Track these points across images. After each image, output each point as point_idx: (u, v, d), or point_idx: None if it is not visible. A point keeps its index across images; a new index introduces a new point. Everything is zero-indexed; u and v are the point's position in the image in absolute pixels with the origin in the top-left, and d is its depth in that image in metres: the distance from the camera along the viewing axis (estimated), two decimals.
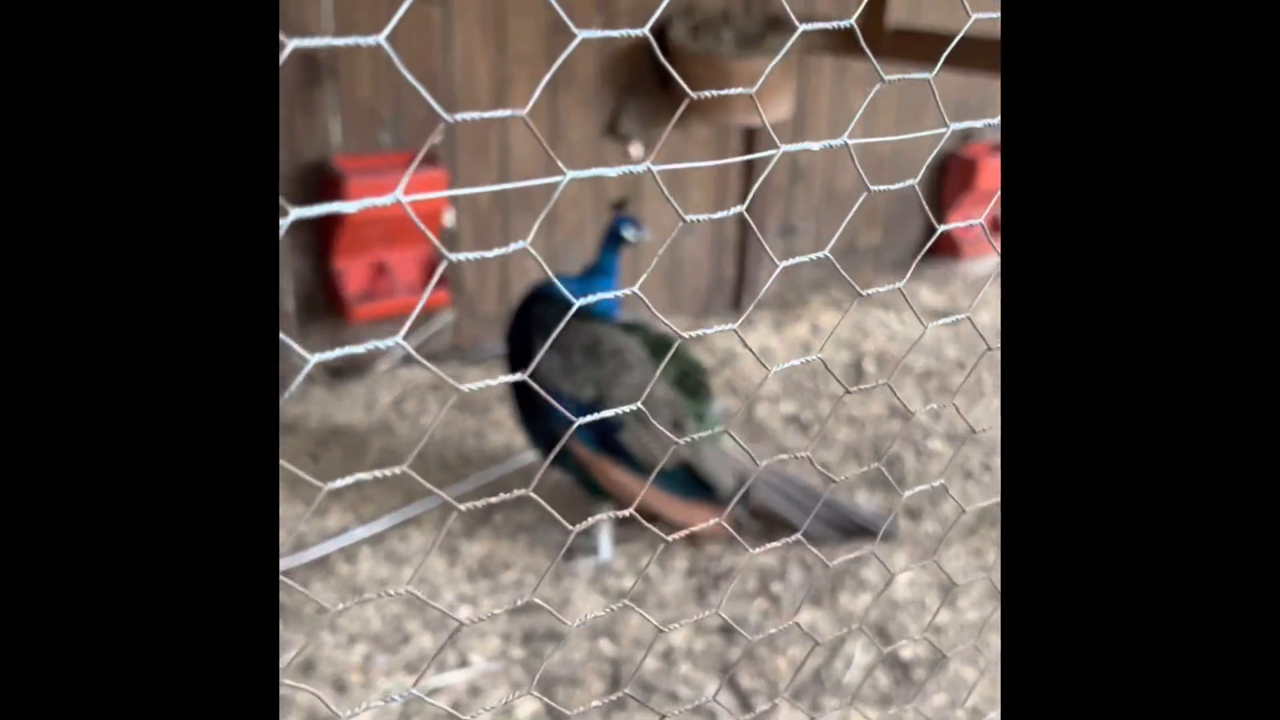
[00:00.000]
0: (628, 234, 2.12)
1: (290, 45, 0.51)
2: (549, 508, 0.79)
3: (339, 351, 0.57)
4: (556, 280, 0.64)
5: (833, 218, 3.76)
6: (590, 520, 0.81)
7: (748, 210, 0.86)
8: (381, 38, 0.50)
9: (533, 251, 0.59)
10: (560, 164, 0.60)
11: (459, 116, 0.52)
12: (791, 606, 2.04)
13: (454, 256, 0.56)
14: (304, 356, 0.56)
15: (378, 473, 0.62)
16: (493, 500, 0.69)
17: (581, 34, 0.57)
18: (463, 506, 0.68)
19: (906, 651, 1.93)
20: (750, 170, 3.43)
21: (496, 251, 0.60)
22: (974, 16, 0.86)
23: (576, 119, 3.08)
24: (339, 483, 0.62)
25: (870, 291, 0.81)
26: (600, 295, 0.65)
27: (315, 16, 2.58)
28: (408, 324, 0.65)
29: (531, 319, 2.12)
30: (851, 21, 0.74)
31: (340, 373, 2.93)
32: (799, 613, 2.02)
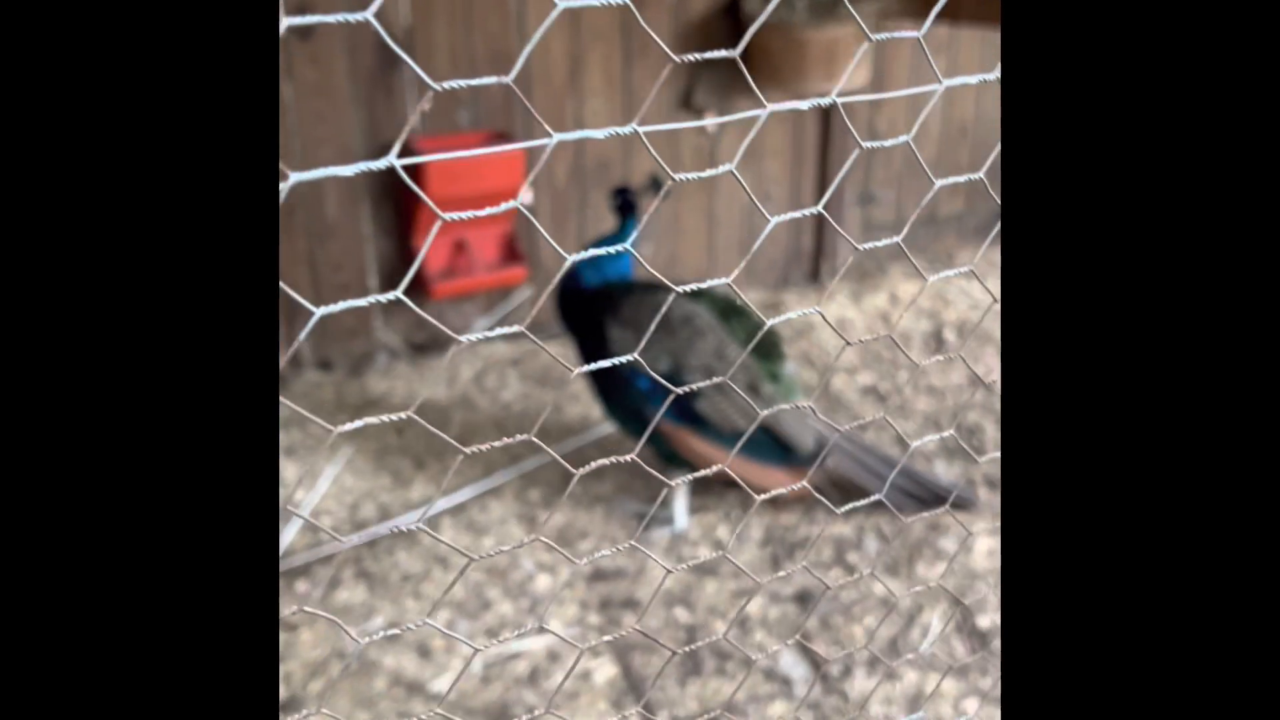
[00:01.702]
0: (632, 198, 2.18)
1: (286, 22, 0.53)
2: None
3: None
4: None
5: (913, 185, 3.70)
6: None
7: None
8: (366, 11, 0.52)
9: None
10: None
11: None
12: (869, 576, 2.04)
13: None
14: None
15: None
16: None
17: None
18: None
19: (984, 620, 1.91)
20: (827, 140, 3.39)
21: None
22: None
23: (650, 91, 3.08)
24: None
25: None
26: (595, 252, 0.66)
27: (393, 1, 2.63)
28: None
29: (588, 296, 2.15)
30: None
31: (423, 348, 3.00)
32: (875, 582, 2.02)
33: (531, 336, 0.69)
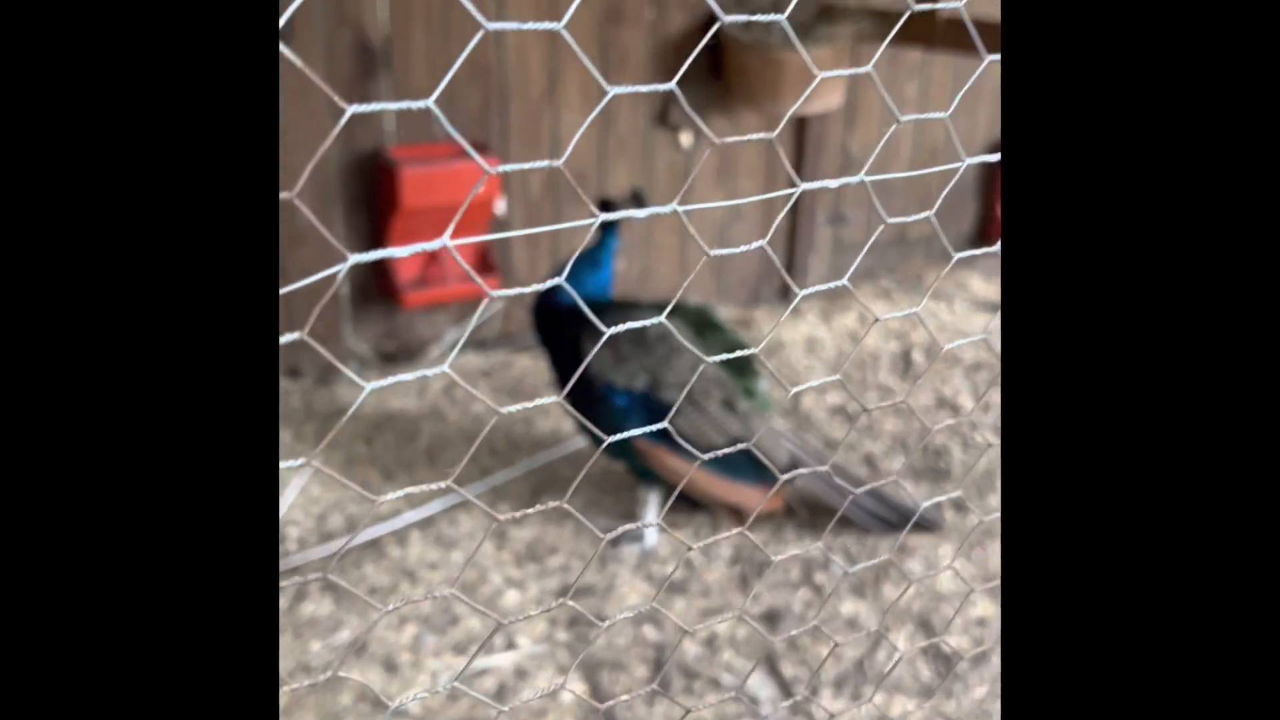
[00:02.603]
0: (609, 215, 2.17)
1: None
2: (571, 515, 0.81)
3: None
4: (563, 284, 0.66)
5: (884, 207, 3.74)
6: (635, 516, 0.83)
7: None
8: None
9: (568, 288, 0.61)
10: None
11: (507, 168, 0.55)
12: (835, 596, 2.05)
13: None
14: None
15: (430, 485, 0.64)
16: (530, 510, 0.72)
17: (613, 90, 0.58)
18: (502, 518, 0.70)
19: (949, 643, 1.93)
20: (800, 160, 3.42)
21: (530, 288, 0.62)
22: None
23: (627, 108, 3.09)
24: (390, 496, 0.64)
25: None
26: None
27: (371, 10, 2.62)
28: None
29: (563, 314, 2.14)
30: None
31: (393, 357, 2.99)
32: (842, 603, 2.03)
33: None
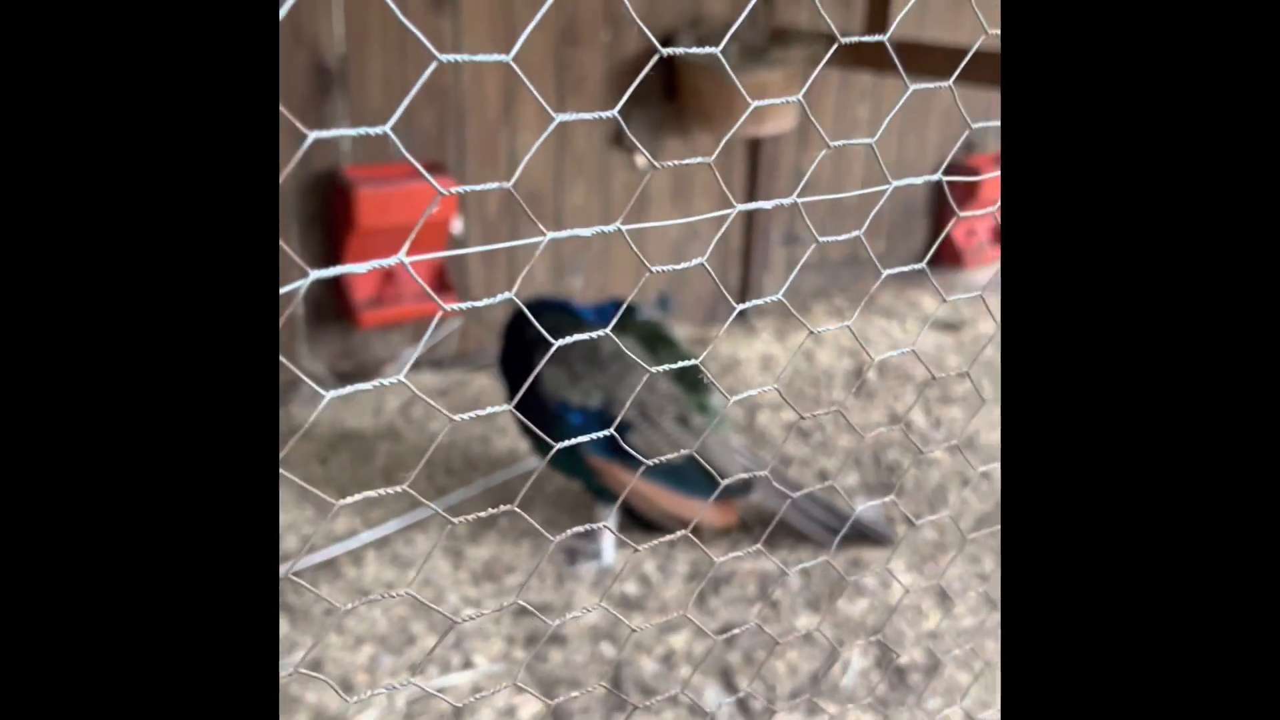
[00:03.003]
0: (642, 316, 2.24)
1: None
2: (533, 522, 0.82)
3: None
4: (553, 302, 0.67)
5: (837, 227, 3.80)
6: (590, 526, 0.85)
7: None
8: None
9: (518, 301, 0.63)
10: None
11: (461, 188, 0.56)
12: (790, 611, 2.07)
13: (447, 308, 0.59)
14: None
15: (386, 490, 0.65)
16: (489, 512, 0.73)
17: (559, 117, 0.60)
18: (457, 520, 0.71)
19: (903, 657, 1.96)
20: (754, 180, 3.47)
21: (488, 301, 0.63)
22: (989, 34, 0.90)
23: (583, 128, 3.12)
24: (347, 500, 0.65)
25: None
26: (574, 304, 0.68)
27: (328, 29, 2.62)
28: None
29: (528, 339, 2.16)
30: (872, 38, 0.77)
31: (349, 377, 2.97)
32: (797, 617, 2.05)
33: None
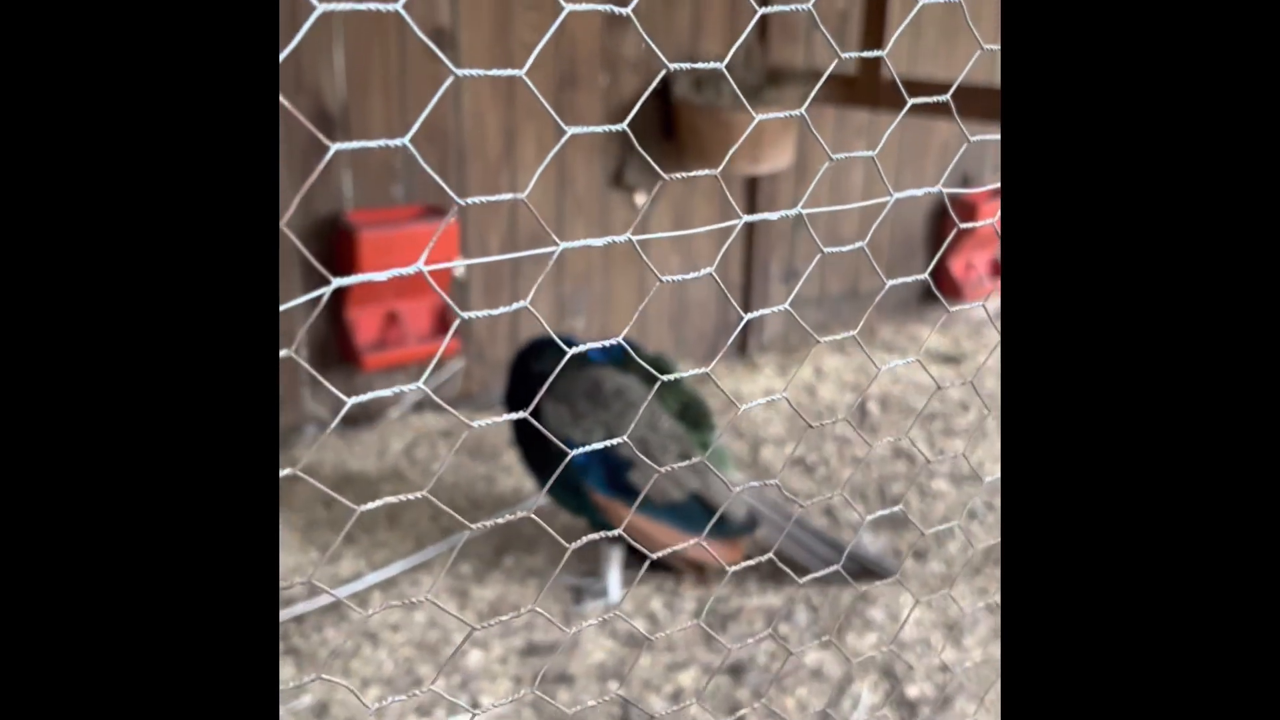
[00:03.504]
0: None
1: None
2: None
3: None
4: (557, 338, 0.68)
5: (835, 262, 3.82)
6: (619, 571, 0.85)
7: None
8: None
9: (534, 311, 0.64)
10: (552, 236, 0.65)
11: (470, 200, 0.57)
12: (799, 647, 2.06)
13: (465, 314, 0.60)
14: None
15: (401, 497, 0.65)
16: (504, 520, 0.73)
17: (570, 130, 0.62)
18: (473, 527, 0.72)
19: (913, 690, 1.94)
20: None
21: (501, 310, 0.64)
22: (979, 57, 0.91)
23: (583, 169, 3.15)
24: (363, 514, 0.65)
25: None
26: (590, 345, 0.69)
27: (329, 75, 2.66)
28: (426, 372, 0.69)
29: (532, 374, 2.17)
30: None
31: (352, 420, 2.98)
32: (806, 653, 2.04)
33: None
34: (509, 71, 0.57)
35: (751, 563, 1.16)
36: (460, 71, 0.55)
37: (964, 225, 0.93)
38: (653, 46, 0.68)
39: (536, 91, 0.62)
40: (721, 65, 0.75)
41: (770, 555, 1.20)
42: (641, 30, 0.72)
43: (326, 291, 0.59)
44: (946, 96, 0.94)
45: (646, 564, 0.90)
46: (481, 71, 0.57)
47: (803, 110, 0.82)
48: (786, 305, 0.86)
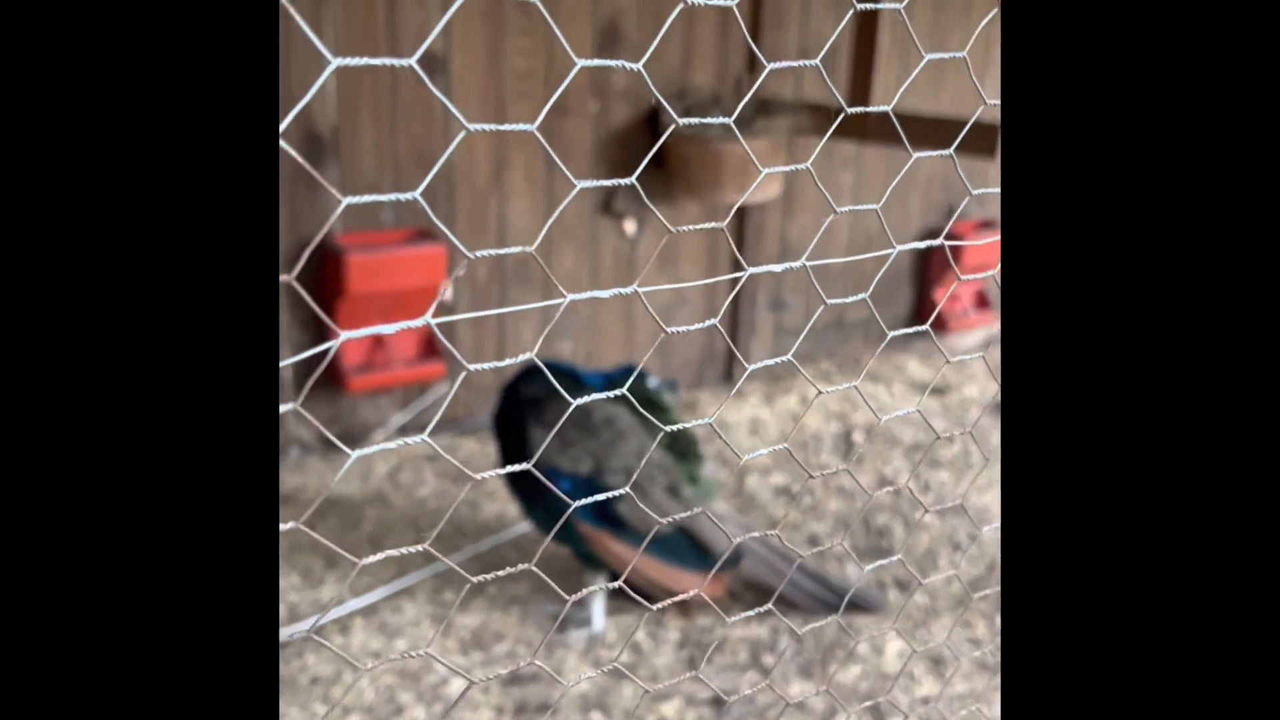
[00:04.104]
0: (652, 383, 2.26)
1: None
2: (547, 579, 0.82)
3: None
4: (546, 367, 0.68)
5: (822, 292, 3.83)
6: (584, 592, 0.85)
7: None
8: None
9: (538, 360, 0.64)
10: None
11: (481, 253, 0.57)
12: (782, 678, 2.05)
13: (454, 349, 0.60)
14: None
15: (407, 550, 0.65)
16: (490, 577, 0.73)
17: (580, 183, 0.62)
18: (473, 578, 0.71)
19: None
20: (741, 247, 3.51)
21: (487, 313, 0.64)
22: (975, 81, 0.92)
23: (570, 195, 3.16)
24: (370, 559, 0.65)
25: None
26: (595, 396, 0.69)
27: (320, 99, 2.67)
28: (416, 402, 0.69)
29: (522, 399, 2.16)
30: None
31: (336, 444, 2.96)
32: (790, 684, 2.04)
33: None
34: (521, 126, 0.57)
35: (738, 610, 1.16)
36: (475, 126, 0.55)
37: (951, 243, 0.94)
38: (647, 79, 0.69)
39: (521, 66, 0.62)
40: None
41: (759, 592, 1.19)
42: (646, 77, 0.72)
43: (333, 346, 0.59)
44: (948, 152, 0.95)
45: (614, 585, 0.89)
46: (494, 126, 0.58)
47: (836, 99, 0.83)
48: (791, 340, 0.86)
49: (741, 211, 3.46)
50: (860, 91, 3.01)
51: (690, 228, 0.69)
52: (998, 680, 2.05)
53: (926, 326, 0.99)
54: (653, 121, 3.18)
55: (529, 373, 2.22)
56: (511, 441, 2.17)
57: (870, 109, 0.85)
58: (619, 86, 3.14)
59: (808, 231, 3.71)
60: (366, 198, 0.60)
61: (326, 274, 2.73)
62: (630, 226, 3.29)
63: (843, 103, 0.84)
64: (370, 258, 2.67)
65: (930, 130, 2.66)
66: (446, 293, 3.00)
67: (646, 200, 0.74)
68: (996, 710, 1.95)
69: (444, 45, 2.80)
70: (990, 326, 4.22)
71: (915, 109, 3.53)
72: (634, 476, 0.84)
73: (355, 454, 0.61)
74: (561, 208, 0.67)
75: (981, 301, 4.27)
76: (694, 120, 0.74)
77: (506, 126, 0.53)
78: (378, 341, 2.87)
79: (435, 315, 2.67)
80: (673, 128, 0.83)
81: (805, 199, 3.69)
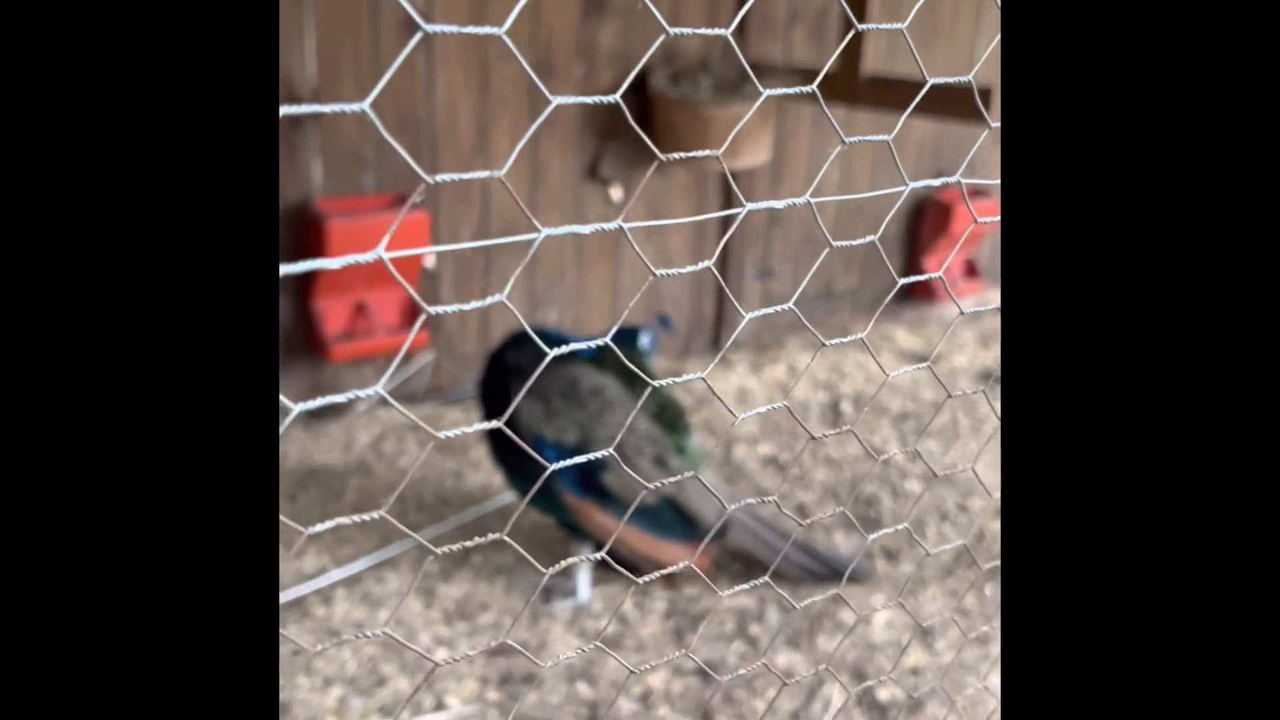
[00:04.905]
0: (644, 341, 2.22)
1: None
2: (524, 552, 0.79)
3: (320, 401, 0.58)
4: (533, 332, 0.65)
5: (810, 260, 3.80)
6: (567, 562, 0.82)
7: (727, 252, 0.88)
8: (366, 104, 0.51)
9: (510, 305, 0.61)
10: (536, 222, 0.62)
11: (440, 177, 0.54)
12: (769, 648, 2.04)
13: (433, 309, 0.57)
14: (285, 393, 0.57)
15: (356, 518, 0.62)
16: (469, 544, 0.70)
17: (556, 99, 0.59)
18: (439, 550, 0.68)
19: (883, 693, 1.93)
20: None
21: (475, 304, 0.61)
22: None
23: (557, 161, 3.11)
24: (318, 527, 0.63)
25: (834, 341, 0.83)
26: (575, 345, 0.67)
27: (299, 61, 2.60)
28: (392, 367, 0.66)
29: (508, 366, 2.13)
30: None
31: (318, 413, 2.93)
32: (777, 655, 2.02)
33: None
34: (486, 29, 0.54)
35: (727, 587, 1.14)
36: (430, 27, 0.51)
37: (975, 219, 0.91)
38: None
39: (517, 55, 0.59)
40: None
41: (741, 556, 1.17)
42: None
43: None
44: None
45: (598, 556, 0.87)
46: (455, 29, 0.54)
47: (816, 86, 0.80)
48: (792, 302, 0.83)
49: (728, 178, 3.41)
50: (850, 56, 2.96)
51: (678, 155, 0.66)
52: (986, 650, 2.04)
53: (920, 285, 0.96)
54: (640, 85, 3.13)
55: (515, 340, 2.18)
56: (496, 410, 2.14)
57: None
58: (605, 52, 3.08)
59: (796, 197, 3.67)
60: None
61: (307, 240, 2.68)
62: (616, 193, 3.24)
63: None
64: (351, 223, 2.62)
65: (918, 96, 2.61)
66: (430, 261, 2.95)
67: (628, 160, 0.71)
68: (987, 680, 1.94)
69: (426, 5, 2.74)
70: (979, 295, 4.20)
71: (905, 74, 3.48)
72: (621, 445, 0.81)
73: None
74: (539, 122, 0.64)
75: (970, 270, 4.24)
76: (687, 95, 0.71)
77: (471, 30, 0.49)
78: (360, 310, 2.83)
79: (419, 283, 2.63)
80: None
81: (794, 166, 3.64)
